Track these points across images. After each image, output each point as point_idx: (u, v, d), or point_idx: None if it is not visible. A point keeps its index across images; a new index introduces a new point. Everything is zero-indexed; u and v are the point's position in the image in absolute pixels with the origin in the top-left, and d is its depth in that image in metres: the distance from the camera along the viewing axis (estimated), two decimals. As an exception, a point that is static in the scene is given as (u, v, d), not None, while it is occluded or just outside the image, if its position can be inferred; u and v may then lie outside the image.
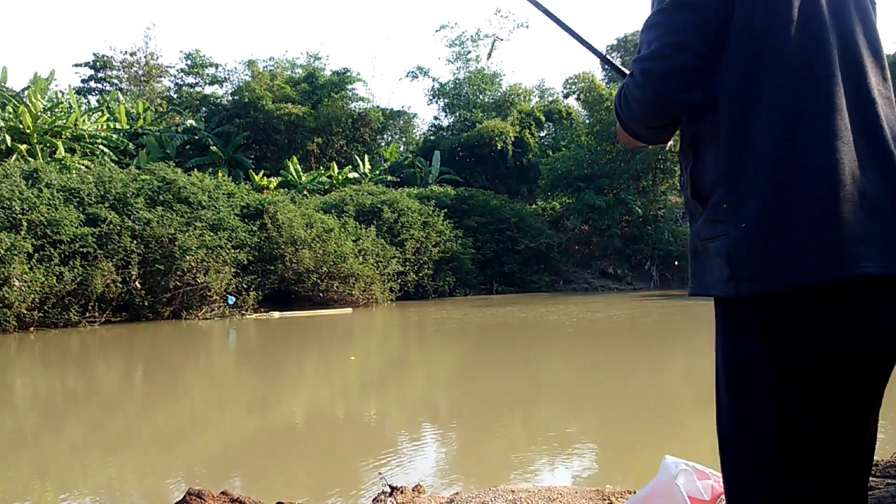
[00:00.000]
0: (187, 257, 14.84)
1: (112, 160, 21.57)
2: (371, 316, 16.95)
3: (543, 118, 32.50)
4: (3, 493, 4.25)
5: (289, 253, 17.21)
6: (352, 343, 12.70)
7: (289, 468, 4.84)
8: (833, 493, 1.16)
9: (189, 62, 33.12)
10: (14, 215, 13.35)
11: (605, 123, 24.53)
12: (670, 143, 1.48)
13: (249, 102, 27.57)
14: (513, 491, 2.97)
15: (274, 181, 24.31)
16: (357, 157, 27.94)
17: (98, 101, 28.62)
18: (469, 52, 34.31)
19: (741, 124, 1.17)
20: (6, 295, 12.40)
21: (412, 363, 10.34)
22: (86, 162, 20.55)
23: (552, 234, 24.71)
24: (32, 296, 12.85)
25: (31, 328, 13.16)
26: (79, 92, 29.45)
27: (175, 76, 34.32)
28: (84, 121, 22.71)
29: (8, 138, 20.01)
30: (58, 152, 20.56)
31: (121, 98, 27.43)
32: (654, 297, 20.47)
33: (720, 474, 1.25)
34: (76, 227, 13.94)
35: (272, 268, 17.06)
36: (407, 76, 46.51)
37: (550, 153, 29.33)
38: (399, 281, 20.00)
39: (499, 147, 28.63)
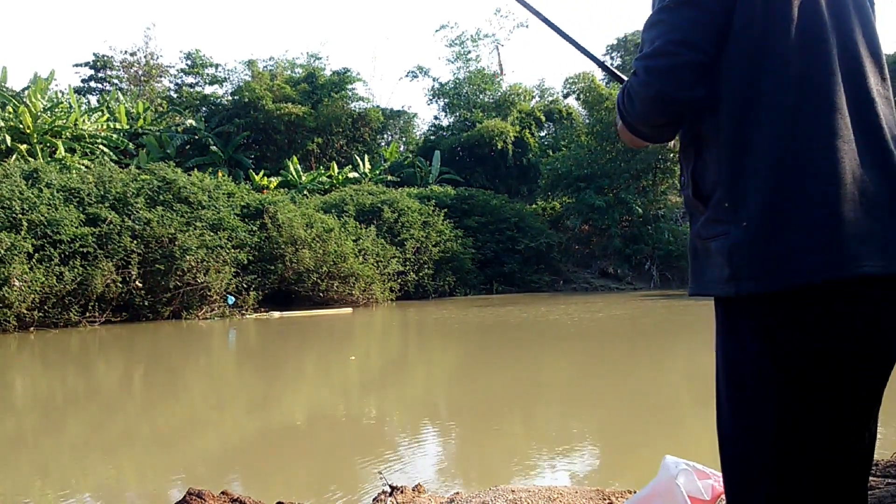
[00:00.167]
0: (187, 257, 14.84)
1: (112, 160, 21.56)
2: (371, 316, 16.95)
3: (543, 118, 32.50)
4: (3, 493, 4.25)
5: (289, 253, 17.21)
6: (352, 343, 12.70)
7: (289, 468, 4.84)
8: (833, 492, 1.16)
9: (189, 62, 33.12)
10: (14, 215, 13.35)
11: (605, 123, 24.53)
12: (672, 141, 1.48)
13: (249, 102, 27.57)
14: (513, 491, 2.97)
15: (274, 181, 24.31)
16: (357, 157, 27.94)
17: (98, 101, 28.61)
18: (469, 52, 34.33)
19: (742, 124, 1.17)
20: (6, 295, 12.40)
21: (412, 363, 10.35)
22: (86, 162, 20.55)
23: (552, 234, 24.71)
24: (32, 296, 12.85)
25: (31, 328, 13.16)
26: (79, 92, 29.44)
27: (175, 76, 34.34)
28: (84, 121, 22.71)
29: (8, 138, 20.01)
30: (58, 152, 20.56)
31: (121, 98, 27.44)
32: (655, 297, 20.47)
33: (720, 474, 1.25)
34: (76, 227, 13.94)
35: (272, 268, 17.06)
36: (407, 76, 46.53)
37: (550, 153, 29.34)
38: (399, 281, 20.00)
39: (499, 147, 28.63)
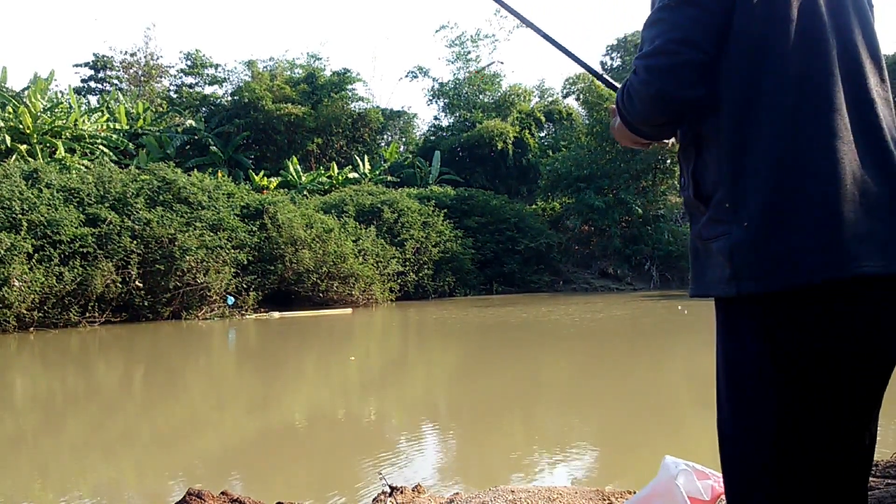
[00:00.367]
0: (187, 257, 14.84)
1: (112, 160, 21.56)
2: (371, 316, 16.95)
3: (543, 118, 32.50)
4: (3, 493, 4.25)
5: (289, 253, 17.21)
6: (352, 343, 12.70)
7: (289, 468, 4.84)
8: (833, 493, 1.16)
9: (189, 62, 33.12)
10: (14, 215, 13.35)
11: (604, 124, 24.52)
12: (671, 140, 1.48)
13: (249, 102, 27.56)
14: (513, 491, 2.97)
15: (274, 181, 24.30)
16: (357, 158, 27.94)
17: (98, 101, 28.61)
18: (469, 52, 34.34)
19: (742, 124, 1.17)
20: (6, 295, 12.40)
21: (412, 363, 10.35)
22: (86, 162, 20.55)
23: (552, 235, 24.71)
24: (32, 296, 12.85)
25: (31, 328, 13.16)
26: (78, 92, 29.44)
27: (175, 76, 34.35)
28: (84, 121, 22.71)
29: (8, 138, 20.01)
30: (58, 152, 20.56)
31: (121, 98, 27.44)
32: (654, 297, 20.47)
33: (720, 474, 1.25)
34: (76, 227, 13.94)
35: (272, 268, 17.06)
36: (407, 76, 46.52)
37: (550, 153, 29.34)
38: (399, 281, 20.00)
39: (499, 147, 28.63)
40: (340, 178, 26.12)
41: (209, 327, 14.37)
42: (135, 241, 14.51)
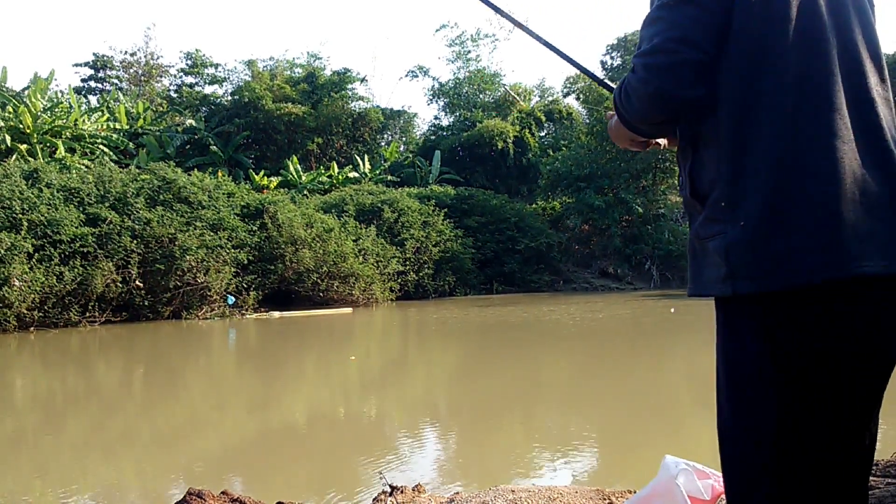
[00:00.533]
0: (187, 257, 14.84)
1: (112, 160, 21.56)
2: (371, 316, 16.95)
3: (543, 118, 32.51)
4: (4, 492, 4.25)
5: (289, 253, 17.21)
6: (352, 343, 12.70)
7: (289, 468, 4.84)
8: (833, 492, 1.16)
9: (189, 62, 33.13)
10: (14, 215, 13.35)
11: (604, 123, 24.27)
12: (664, 142, 1.48)
13: (249, 102, 27.57)
14: (513, 491, 2.97)
15: (274, 181, 24.30)
16: (357, 157, 27.94)
17: (98, 101, 28.62)
18: (469, 51, 34.34)
19: (741, 124, 1.17)
20: (6, 295, 12.40)
21: (412, 363, 10.35)
22: (86, 162, 20.55)
23: (552, 234, 24.71)
24: (32, 296, 12.85)
25: (31, 328, 13.16)
26: (78, 92, 29.43)
27: (175, 76, 34.36)
28: (84, 121, 22.72)
29: (8, 138, 20.01)
30: (58, 152, 20.56)
31: (121, 98, 27.44)
32: (655, 296, 20.47)
33: (720, 474, 1.25)
34: (76, 227, 13.94)
35: (272, 268, 17.06)
36: (407, 76, 46.55)
37: (550, 153, 29.34)
38: (399, 281, 20.00)
39: (499, 147, 28.62)
40: (340, 177, 26.12)
41: (209, 327, 14.38)
42: (135, 241, 14.51)
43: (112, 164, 19.19)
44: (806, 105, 1.15)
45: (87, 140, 22.48)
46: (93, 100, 29.71)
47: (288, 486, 4.32)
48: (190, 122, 27.09)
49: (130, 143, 24.22)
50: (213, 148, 25.89)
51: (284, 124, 27.81)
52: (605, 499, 2.90)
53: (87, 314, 13.92)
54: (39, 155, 19.94)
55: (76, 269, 13.52)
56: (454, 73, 34.87)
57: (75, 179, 15.51)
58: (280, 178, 24.92)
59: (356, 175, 26.61)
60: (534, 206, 27.23)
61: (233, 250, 16.02)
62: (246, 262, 16.39)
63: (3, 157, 19.02)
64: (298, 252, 17.26)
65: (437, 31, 56.82)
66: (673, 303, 17.66)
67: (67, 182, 15.12)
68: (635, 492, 2.76)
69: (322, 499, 3.99)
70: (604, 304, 18.06)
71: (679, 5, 1.18)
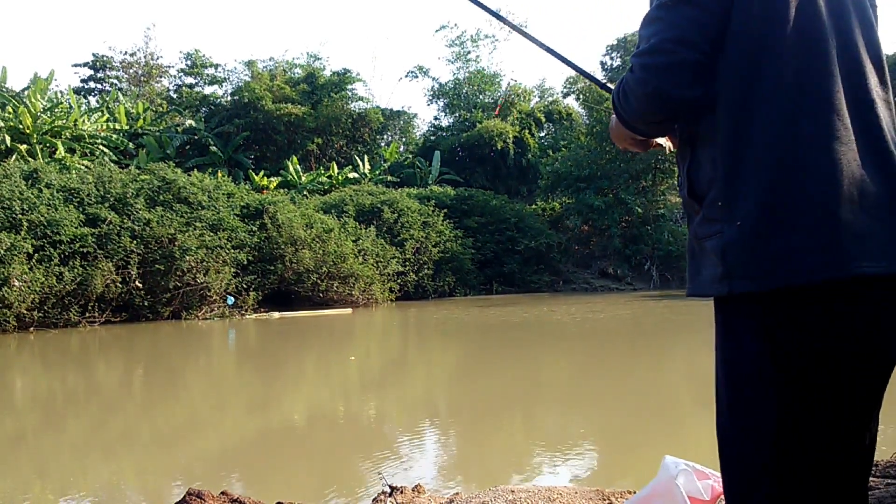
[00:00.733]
0: (187, 257, 14.85)
1: (112, 160, 21.57)
2: (371, 316, 16.95)
3: (543, 118, 32.51)
4: (3, 492, 4.25)
5: (289, 253, 17.21)
6: (352, 343, 12.70)
7: (289, 468, 4.84)
8: (833, 493, 1.16)
9: (189, 62, 33.12)
10: (14, 215, 13.35)
11: (604, 123, 24.53)
12: (668, 145, 1.48)
13: (249, 102, 27.57)
14: (513, 491, 2.97)
15: (274, 181, 24.31)
16: (357, 158, 27.94)
17: (97, 101, 28.61)
18: (469, 52, 34.34)
19: (739, 124, 1.17)
20: (6, 295, 12.40)
21: (412, 363, 10.35)
22: (86, 162, 20.55)
23: (552, 235, 24.71)
24: (32, 296, 12.85)
25: (31, 328, 13.16)
26: (78, 92, 29.43)
27: (175, 76, 34.36)
28: (84, 121, 22.71)
29: (8, 138, 20.01)
30: (58, 152, 20.56)
31: (121, 98, 27.43)
32: (654, 297, 20.47)
33: (720, 474, 1.25)
34: (76, 228, 13.94)
35: (272, 268, 17.06)
36: (407, 76, 46.55)
37: (550, 153, 29.35)
38: (399, 281, 20.00)
39: (499, 147, 28.63)
40: (340, 178, 26.12)
41: (209, 327, 14.37)
42: (135, 241, 14.51)
43: (112, 165, 19.20)
44: (804, 105, 1.15)
45: (87, 140, 22.47)
46: (92, 100, 29.71)
47: (288, 486, 4.31)
48: (190, 122, 27.09)
49: (130, 144, 24.22)
50: (213, 148, 25.89)
51: (284, 125, 27.81)
52: (604, 499, 2.91)
53: (87, 314, 13.92)
54: (39, 155, 19.94)
55: (76, 270, 13.52)
56: (454, 74, 34.92)
57: (75, 180, 15.51)
58: (280, 179, 24.92)
59: (356, 175, 26.61)
60: (534, 206, 27.23)
61: (233, 251, 16.02)
62: (246, 262, 16.39)
63: (3, 157, 19.02)
64: (298, 252, 17.26)
65: (436, 31, 56.87)
66: (673, 303, 17.67)
67: (67, 182, 15.13)
68: (635, 492, 2.76)
69: (322, 499, 3.99)
70: (604, 304, 18.06)
71: (677, 5, 1.18)
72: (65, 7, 63.59)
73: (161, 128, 26.25)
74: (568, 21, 68.58)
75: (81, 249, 13.83)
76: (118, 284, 14.13)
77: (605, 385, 7.67)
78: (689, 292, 1.28)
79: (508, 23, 1.78)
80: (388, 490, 3.22)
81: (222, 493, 3.22)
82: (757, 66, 1.17)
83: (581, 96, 27.15)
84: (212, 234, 15.73)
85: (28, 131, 20.61)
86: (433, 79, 35.10)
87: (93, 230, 14.16)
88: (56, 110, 21.96)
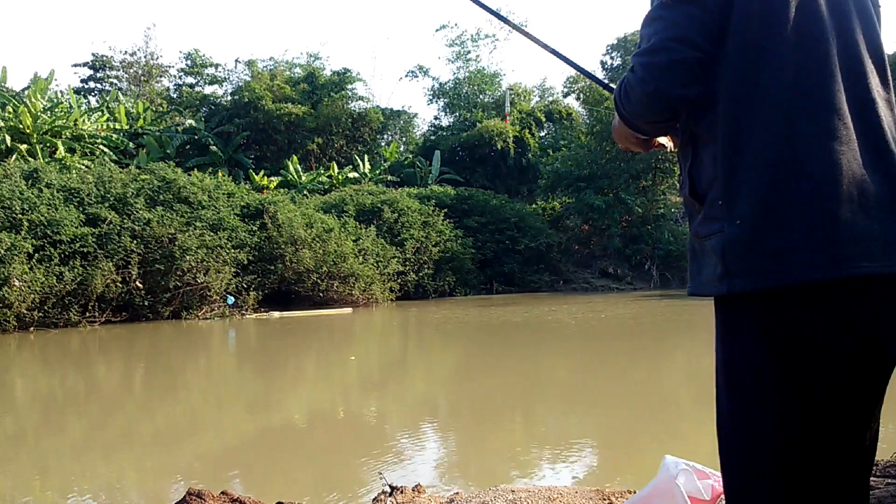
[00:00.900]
0: (187, 257, 14.84)
1: (112, 160, 21.55)
2: (371, 316, 16.95)
3: (543, 118, 32.50)
4: (3, 492, 4.25)
5: (289, 253, 17.21)
6: (352, 343, 12.70)
7: (289, 468, 4.84)
8: (833, 492, 1.16)
9: (189, 62, 33.12)
10: (14, 215, 13.34)
11: (604, 123, 24.53)
12: (671, 144, 1.48)
13: (249, 102, 27.56)
14: (513, 491, 2.97)
15: (274, 181, 24.30)
16: (357, 157, 27.93)
17: (98, 101, 28.61)
18: (469, 51, 34.35)
19: (739, 122, 1.17)
20: (6, 295, 12.40)
21: (412, 363, 10.35)
22: (86, 162, 20.54)
23: (552, 234, 24.69)
24: (32, 296, 12.85)
25: (31, 328, 13.16)
26: (78, 92, 29.42)
27: (175, 76, 34.36)
28: (84, 121, 22.70)
29: (8, 138, 20.00)
30: (58, 152, 20.55)
31: (121, 98, 27.43)
32: (655, 296, 20.47)
33: (720, 474, 1.25)
34: (76, 227, 13.94)
35: (272, 268, 17.05)
36: (407, 76, 46.60)
37: (550, 153, 29.35)
38: (399, 281, 20.00)
39: (499, 147, 28.62)
40: (340, 177, 26.11)
41: (209, 327, 14.37)
42: (135, 241, 14.50)
43: (112, 165, 19.19)
44: (803, 104, 1.15)
45: (87, 140, 22.47)
46: (92, 100, 29.71)
47: (288, 486, 4.31)
48: (190, 122, 27.08)
49: (130, 144, 24.20)
50: (213, 148, 25.88)
51: (284, 124, 27.81)
52: (604, 499, 2.90)
53: (87, 314, 13.91)
54: (39, 155, 19.93)
55: (76, 270, 13.51)
56: (454, 74, 34.94)
57: (75, 179, 15.50)
58: (280, 179, 24.91)
59: (356, 175, 26.60)
60: (534, 206, 27.22)
61: (233, 250, 16.01)
62: (246, 262, 16.38)
63: (3, 157, 19.01)
64: (298, 252, 17.26)
65: (436, 31, 56.93)
66: (673, 303, 17.67)
67: (67, 182, 15.12)
68: (635, 492, 2.75)
69: (322, 499, 3.99)
70: (604, 304, 18.06)
71: (678, 5, 1.18)
72: (65, 7, 63.61)
73: (161, 128, 26.24)
74: (568, 20, 68.57)
75: (81, 249, 13.82)
76: (118, 284, 14.13)
77: (606, 385, 7.67)
78: (690, 291, 1.28)
79: (509, 21, 1.79)
80: (388, 490, 3.22)
81: (222, 493, 3.21)
82: (756, 64, 1.17)
83: (581, 96, 27.15)
84: (212, 233, 15.73)
85: (28, 131, 20.60)
86: (433, 78, 35.17)
87: (93, 230, 14.15)
88: (56, 110, 21.96)
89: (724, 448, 1.21)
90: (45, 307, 13.27)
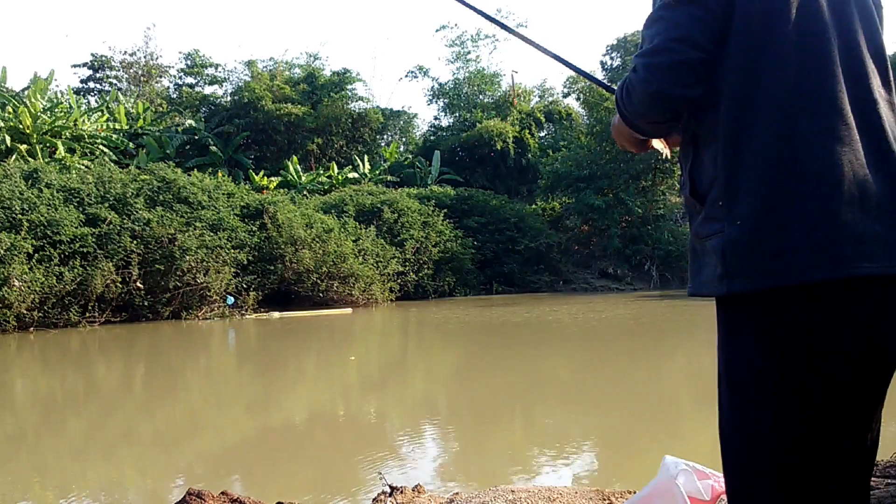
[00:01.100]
0: (187, 257, 14.84)
1: (112, 160, 21.56)
2: (371, 316, 16.95)
3: (543, 118, 32.49)
4: (3, 493, 4.24)
5: (289, 253, 17.21)
6: (352, 343, 12.69)
7: (289, 468, 4.84)
8: (834, 492, 1.16)
9: (188, 62, 33.12)
10: (14, 215, 13.35)
11: (604, 123, 24.52)
12: (667, 151, 1.48)
13: (249, 102, 27.56)
14: (513, 491, 2.97)
15: (274, 181, 24.30)
16: (357, 158, 27.93)
17: (97, 101, 28.60)
18: (469, 52, 34.34)
19: (740, 123, 1.17)
20: (6, 295, 12.40)
21: (412, 363, 10.34)
22: (86, 162, 20.54)
23: (552, 234, 24.70)
24: (32, 296, 12.85)
25: (31, 328, 13.16)
26: (78, 92, 29.43)
27: (175, 76, 34.36)
28: (84, 121, 22.70)
29: (8, 138, 20.00)
30: (58, 152, 20.55)
31: (120, 98, 27.42)
32: (655, 297, 20.47)
33: (720, 474, 1.25)
34: (76, 228, 13.94)
35: (272, 268, 17.06)
36: (407, 76, 46.59)
37: (550, 153, 29.35)
38: (399, 281, 20.00)
39: (499, 147, 28.62)
40: (340, 178, 26.11)
41: (209, 327, 14.37)
42: (135, 241, 14.51)
43: (112, 165, 19.19)
44: (804, 104, 1.15)
45: (87, 140, 22.46)
46: (92, 100, 29.70)
47: (288, 486, 4.31)
48: (190, 122, 27.08)
49: (130, 144, 24.20)
50: (213, 148, 25.88)
51: (284, 125, 27.80)
52: (604, 499, 2.90)
53: (87, 314, 13.91)
54: (39, 155, 19.93)
55: (76, 270, 13.51)
56: (454, 74, 34.91)
57: (75, 180, 15.50)
58: (280, 179, 24.91)
59: (356, 175, 26.60)
60: (533, 206, 27.21)
61: (232, 250, 16.02)
62: (246, 262, 16.38)
63: (3, 157, 19.00)
64: (298, 252, 17.26)
65: (436, 31, 56.84)
66: (673, 303, 17.67)
67: (67, 182, 15.12)
68: (635, 492, 2.75)
69: (322, 499, 3.99)
70: (604, 304, 18.06)
71: (680, 5, 1.18)
72: (65, 7, 63.60)
73: (161, 128, 26.24)
74: (568, 20, 68.58)
75: (81, 249, 13.82)
76: (118, 284, 14.13)
77: (606, 385, 7.67)
78: (691, 292, 1.29)
79: (505, 26, 1.79)
80: (388, 490, 3.21)
81: (222, 493, 3.21)
82: (757, 65, 1.17)
83: (581, 96, 27.14)
84: (212, 234, 15.73)
85: (28, 131, 20.60)
86: (433, 79, 35.16)
87: (93, 230, 14.15)
88: (56, 110, 21.96)
89: (725, 448, 1.21)
90: (45, 307, 13.27)
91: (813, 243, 1.10)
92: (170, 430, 6.20)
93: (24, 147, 20.13)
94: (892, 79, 1.24)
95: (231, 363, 10.40)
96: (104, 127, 23.63)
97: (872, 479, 2.57)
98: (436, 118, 38.32)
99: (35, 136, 20.67)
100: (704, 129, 1.22)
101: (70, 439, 5.89)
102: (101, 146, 22.67)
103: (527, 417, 6.34)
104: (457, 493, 3.25)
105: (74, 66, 41.55)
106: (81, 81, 33.41)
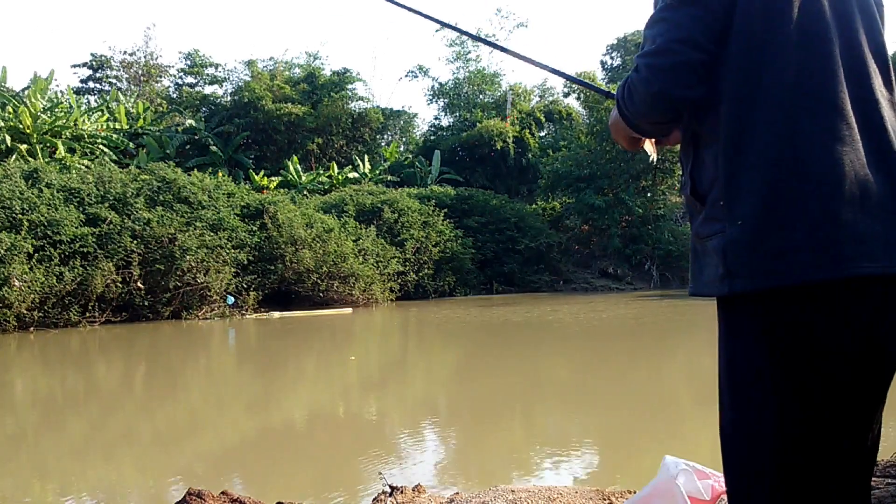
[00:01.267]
0: (187, 257, 14.84)
1: (112, 160, 21.56)
2: (371, 316, 16.95)
3: (543, 118, 32.48)
4: (3, 493, 4.24)
5: (289, 253, 17.21)
6: (352, 343, 12.70)
7: (289, 468, 4.84)
8: (834, 492, 1.16)
9: (189, 62, 33.11)
10: (14, 215, 13.34)
11: (604, 123, 24.50)
12: (655, 155, 1.48)
13: (249, 102, 27.55)
14: (513, 491, 2.97)
15: (274, 181, 24.29)
16: (357, 157, 27.93)
17: (97, 101, 28.60)
18: (469, 52, 34.32)
19: (741, 123, 1.17)
20: (6, 295, 12.39)
21: (412, 363, 10.34)
22: (86, 162, 20.54)
23: (552, 234, 24.69)
24: (32, 296, 12.85)
25: (31, 328, 13.16)
26: (78, 92, 29.42)
27: (175, 76, 34.35)
28: (84, 121, 22.70)
29: (8, 138, 20.00)
30: (58, 152, 20.55)
31: (121, 98, 27.42)
32: (655, 296, 20.47)
33: (720, 474, 1.25)
34: (76, 227, 13.94)
35: (272, 268, 17.05)
36: (407, 76, 46.60)
37: (550, 153, 29.34)
38: (399, 281, 19.99)
39: (499, 147, 28.61)
40: (340, 177, 26.10)
41: (209, 327, 14.37)
42: (135, 241, 14.50)
43: (112, 165, 19.19)
44: (805, 104, 1.15)
45: (87, 140, 22.46)
46: (92, 100, 29.70)
47: (288, 486, 4.31)
48: (190, 122, 27.07)
49: (130, 144, 24.20)
50: (213, 148, 25.88)
51: (284, 124, 27.80)
52: (605, 499, 2.90)
53: (87, 314, 13.91)
54: (39, 155, 19.93)
55: (76, 270, 13.51)
56: (454, 74, 34.88)
57: (75, 179, 15.50)
58: (280, 179, 24.91)
59: (356, 175, 26.60)
60: (534, 206, 27.21)
61: (233, 250, 16.01)
62: (246, 262, 16.38)
63: (3, 157, 18.99)
64: (298, 252, 17.25)
65: (437, 31, 56.75)
66: (673, 303, 17.67)
67: (67, 182, 15.11)
68: (635, 492, 2.75)
69: (322, 499, 3.99)
70: (604, 304, 18.06)
71: (682, 6, 1.18)
72: (65, 7, 63.60)
73: (161, 128, 26.24)
74: (568, 21, 68.57)
75: (82, 249, 13.82)
76: (118, 284, 14.13)
77: (606, 385, 7.67)
78: (692, 292, 1.28)
79: (501, 47, 1.80)
80: (389, 490, 3.21)
81: (222, 493, 3.21)
82: (758, 65, 1.17)
83: (581, 96, 27.14)
84: (212, 233, 15.72)
85: (28, 131, 20.60)
86: (433, 79, 35.11)
87: (93, 230, 14.15)
88: (56, 110, 21.95)
89: (726, 448, 1.21)
90: (45, 307, 13.27)
91: (814, 243, 1.10)
92: (170, 430, 6.20)
93: (24, 147, 20.13)
94: (893, 78, 1.24)
95: (231, 363, 10.40)
96: (104, 127, 23.63)
97: (873, 478, 2.57)
98: (436, 118, 38.36)
99: (35, 135, 20.67)
100: (705, 129, 1.22)
101: (70, 439, 5.89)
102: (101, 146, 22.67)
103: (527, 417, 6.34)
104: (457, 493, 3.25)
105: (74, 66, 41.55)
106: (81, 81, 33.43)
